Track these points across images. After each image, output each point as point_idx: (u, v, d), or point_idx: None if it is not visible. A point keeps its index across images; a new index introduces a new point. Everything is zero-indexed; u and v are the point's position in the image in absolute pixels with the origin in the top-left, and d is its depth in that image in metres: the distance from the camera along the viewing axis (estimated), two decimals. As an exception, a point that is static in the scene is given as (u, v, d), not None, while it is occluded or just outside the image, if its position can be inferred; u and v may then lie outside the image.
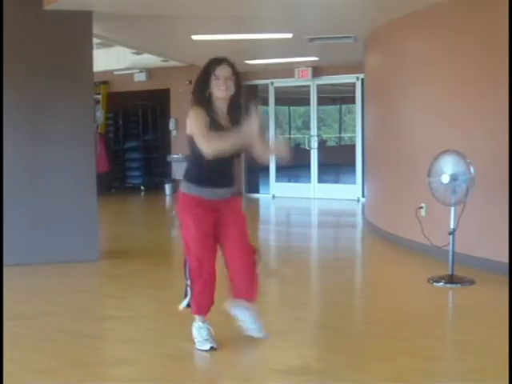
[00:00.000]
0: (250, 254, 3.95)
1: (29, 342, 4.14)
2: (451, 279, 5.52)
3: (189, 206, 3.87)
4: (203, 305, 3.93)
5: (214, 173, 3.82)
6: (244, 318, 3.98)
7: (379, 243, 7.64)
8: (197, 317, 3.97)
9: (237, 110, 3.83)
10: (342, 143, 13.44)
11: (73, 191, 6.48)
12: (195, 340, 3.93)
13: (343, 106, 13.45)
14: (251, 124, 3.60)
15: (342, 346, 4.03)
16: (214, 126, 3.73)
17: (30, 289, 5.58)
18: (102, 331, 4.52)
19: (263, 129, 3.76)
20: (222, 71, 3.73)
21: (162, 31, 8.18)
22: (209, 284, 3.89)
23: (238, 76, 3.81)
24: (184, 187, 3.88)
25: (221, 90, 3.73)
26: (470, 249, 5.92)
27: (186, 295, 3.93)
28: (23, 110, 6.34)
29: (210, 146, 3.63)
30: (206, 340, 3.88)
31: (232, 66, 3.79)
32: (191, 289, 3.90)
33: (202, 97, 3.76)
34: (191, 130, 3.75)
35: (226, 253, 3.94)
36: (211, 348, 3.85)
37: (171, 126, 13.39)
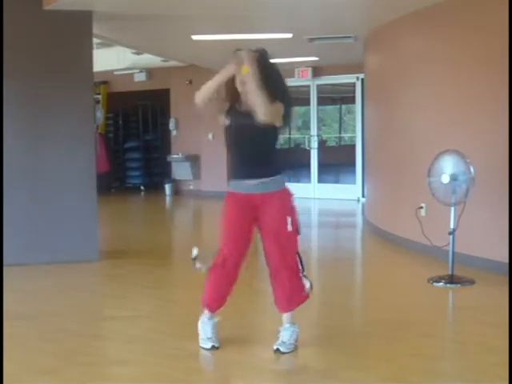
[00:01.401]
0: (283, 260, 3.77)
1: (29, 342, 4.13)
2: (451, 279, 5.52)
3: (227, 203, 3.81)
4: (215, 300, 3.87)
5: (244, 162, 3.73)
6: (281, 332, 3.90)
7: (379, 243, 7.64)
8: (205, 310, 3.92)
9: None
10: (342, 143, 13.43)
11: (73, 191, 6.48)
12: (199, 337, 3.91)
13: (343, 106, 13.45)
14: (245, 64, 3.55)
15: (342, 346, 4.03)
16: (232, 114, 3.73)
17: (30, 289, 5.58)
18: (102, 331, 4.52)
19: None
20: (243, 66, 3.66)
21: (161, 31, 8.18)
22: (224, 280, 3.82)
23: (263, 65, 3.69)
24: (229, 184, 3.83)
25: (239, 84, 3.70)
26: (470, 249, 5.92)
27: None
28: (23, 111, 6.33)
29: (199, 93, 3.65)
30: (208, 338, 3.87)
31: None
32: (206, 280, 3.83)
33: (228, 91, 3.76)
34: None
35: (264, 253, 3.85)
36: (213, 347, 3.84)
37: (171, 125, 13.39)
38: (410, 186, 6.96)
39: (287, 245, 3.78)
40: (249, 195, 3.74)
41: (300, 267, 3.84)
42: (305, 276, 3.84)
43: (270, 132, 3.73)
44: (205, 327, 3.91)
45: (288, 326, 3.90)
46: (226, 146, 3.82)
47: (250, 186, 3.73)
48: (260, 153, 3.75)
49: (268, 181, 3.76)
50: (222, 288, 3.86)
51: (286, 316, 3.91)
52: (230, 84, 3.71)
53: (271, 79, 3.69)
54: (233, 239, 3.79)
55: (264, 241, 3.82)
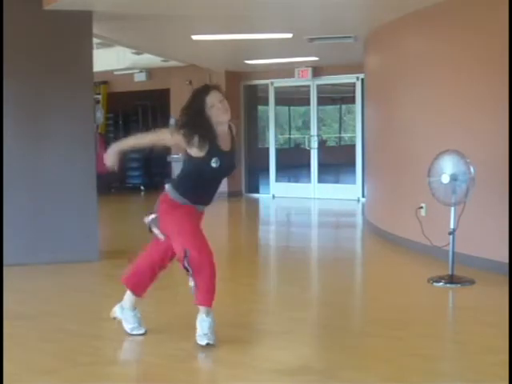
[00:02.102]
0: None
1: (29, 342, 4.13)
2: (451, 279, 5.52)
3: (178, 204, 3.95)
4: (208, 295, 3.92)
5: (206, 190, 4.00)
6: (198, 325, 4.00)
7: (379, 243, 7.64)
8: (201, 309, 3.96)
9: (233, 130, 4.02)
10: (342, 143, 13.44)
11: (73, 191, 6.48)
12: (196, 334, 3.94)
13: (343, 106, 13.45)
14: None
15: (342, 346, 4.03)
16: (217, 151, 3.84)
17: (30, 289, 5.58)
18: (102, 331, 4.52)
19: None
20: (214, 98, 3.82)
21: (161, 31, 8.18)
22: (212, 274, 3.90)
23: (224, 96, 3.91)
24: (175, 196, 3.95)
25: (225, 115, 3.84)
26: (470, 249, 5.92)
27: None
28: (23, 110, 6.33)
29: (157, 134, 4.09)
30: (205, 335, 3.90)
31: (218, 89, 3.90)
32: (194, 279, 3.89)
33: (204, 127, 3.82)
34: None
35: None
36: (207, 344, 3.86)
37: (171, 126, 13.38)
38: (410, 186, 6.96)
39: None
40: (199, 212, 4.04)
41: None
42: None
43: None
44: (202, 324, 3.93)
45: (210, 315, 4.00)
46: (191, 171, 3.98)
47: (202, 208, 4.06)
48: (218, 185, 4.08)
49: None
50: (210, 284, 3.91)
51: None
52: (207, 121, 3.84)
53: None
54: (203, 239, 3.95)
55: None
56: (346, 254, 7.51)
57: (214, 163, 3.83)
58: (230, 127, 3.97)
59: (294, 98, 13.63)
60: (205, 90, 3.86)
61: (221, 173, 3.97)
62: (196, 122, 3.82)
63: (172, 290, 5.70)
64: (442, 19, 6.38)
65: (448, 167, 5.47)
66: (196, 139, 3.78)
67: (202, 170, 3.88)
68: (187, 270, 3.87)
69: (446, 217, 5.64)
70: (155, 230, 4.02)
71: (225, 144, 3.91)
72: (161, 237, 4.01)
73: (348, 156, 12.17)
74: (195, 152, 3.82)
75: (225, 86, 9.63)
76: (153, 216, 4.02)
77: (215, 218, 10.88)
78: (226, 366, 3.81)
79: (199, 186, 3.95)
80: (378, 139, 8.28)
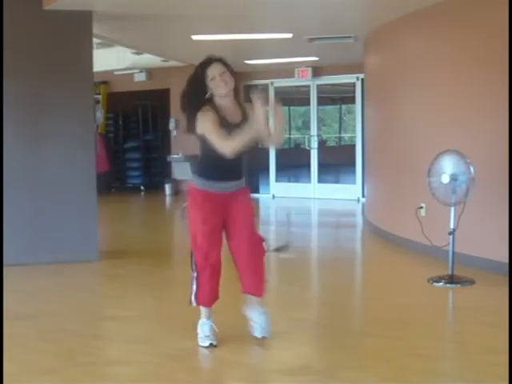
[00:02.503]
0: (257, 244, 3.97)
1: (29, 342, 4.14)
2: (451, 279, 5.52)
3: (198, 200, 3.91)
4: (207, 296, 3.96)
5: (223, 168, 3.86)
6: (258, 319, 4.02)
7: (379, 243, 7.64)
8: (202, 312, 4.00)
9: (241, 102, 3.89)
10: (342, 143, 13.44)
11: (73, 191, 6.48)
12: (198, 336, 3.97)
13: (343, 106, 13.45)
14: (256, 112, 3.62)
15: (342, 346, 4.03)
16: (225, 125, 3.74)
17: (30, 289, 5.58)
18: (102, 331, 4.53)
19: (267, 114, 3.76)
20: (215, 70, 3.75)
21: (161, 31, 8.18)
22: (214, 277, 3.93)
23: (230, 68, 3.82)
24: (195, 182, 3.93)
25: (222, 88, 3.75)
26: (470, 249, 5.92)
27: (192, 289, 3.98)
28: (23, 110, 6.33)
29: (229, 147, 3.67)
30: (206, 337, 3.93)
31: (220, 61, 3.80)
32: (196, 281, 3.94)
33: (200, 100, 3.76)
34: (206, 133, 3.74)
35: (233, 244, 3.96)
36: (210, 345, 3.89)
37: (171, 125, 13.38)
38: (410, 186, 6.96)
39: (256, 230, 4.10)
40: (218, 193, 3.89)
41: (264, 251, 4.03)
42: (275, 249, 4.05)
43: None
44: (203, 327, 3.97)
45: (264, 310, 4.04)
46: (201, 148, 3.90)
47: (224, 187, 3.90)
48: (240, 160, 3.91)
49: (239, 182, 3.98)
50: (210, 286, 3.94)
51: (259, 301, 4.03)
52: (202, 93, 3.78)
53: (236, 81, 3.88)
54: (211, 236, 3.91)
55: (233, 229, 3.96)
56: (346, 253, 7.51)
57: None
58: (239, 102, 3.87)
59: (294, 98, 13.63)
60: (206, 62, 3.79)
61: None
62: (196, 95, 3.77)
63: (172, 289, 5.70)
64: (442, 19, 6.38)
65: (448, 167, 5.47)
66: (198, 116, 3.72)
67: (211, 144, 3.78)
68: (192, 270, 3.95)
69: (446, 217, 5.64)
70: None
71: (233, 116, 3.81)
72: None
73: (348, 156, 12.17)
74: (199, 128, 3.76)
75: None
76: (184, 206, 4.06)
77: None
78: (226, 365, 3.81)
79: (216, 161, 3.80)
80: (378, 139, 8.28)
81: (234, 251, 3.98)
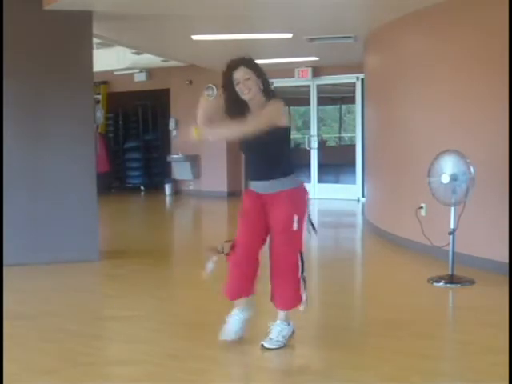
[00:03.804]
0: (285, 256, 3.85)
1: (29, 342, 4.14)
2: (451, 279, 5.52)
3: (243, 198, 4.01)
4: (230, 288, 3.92)
5: (252, 166, 3.94)
6: (271, 331, 3.95)
7: (379, 243, 7.64)
8: (235, 302, 3.97)
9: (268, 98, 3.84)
10: (342, 143, 13.44)
11: (73, 191, 6.48)
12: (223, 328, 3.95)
13: (343, 106, 13.45)
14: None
15: (342, 346, 4.03)
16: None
17: (30, 289, 5.58)
18: (102, 331, 4.52)
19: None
20: (239, 75, 3.74)
21: (161, 31, 8.18)
22: (239, 268, 3.86)
23: (257, 71, 3.78)
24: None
25: (245, 95, 3.76)
26: (470, 249, 5.92)
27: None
28: (23, 111, 6.33)
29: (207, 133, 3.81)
30: (228, 330, 3.90)
31: (247, 64, 3.77)
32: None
33: (233, 102, 3.79)
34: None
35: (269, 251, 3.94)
36: (228, 338, 3.89)
37: (171, 125, 13.39)
38: (410, 185, 6.96)
39: (290, 243, 3.84)
40: (260, 194, 3.88)
41: (300, 267, 3.87)
42: (304, 280, 3.90)
43: (278, 135, 3.80)
44: (229, 318, 3.94)
45: (279, 322, 3.94)
46: (240, 150, 4.05)
47: (257, 186, 3.90)
48: (271, 156, 3.84)
49: (273, 182, 3.85)
50: (235, 277, 3.90)
51: (281, 313, 3.95)
52: (235, 96, 3.78)
53: (266, 81, 3.85)
54: (245, 229, 3.90)
55: (271, 237, 3.91)
56: (346, 253, 7.51)
57: None
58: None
59: (293, 98, 13.63)
60: (233, 64, 3.77)
61: (251, 145, 3.79)
62: (226, 97, 3.80)
63: (172, 289, 5.70)
64: (442, 19, 6.38)
65: (448, 167, 5.47)
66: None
67: (240, 145, 3.93)
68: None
69: (446, 217, 5.64)
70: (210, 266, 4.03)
71: (255, 113, 3.80)
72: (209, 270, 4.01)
73: (348, 156, 12.17)
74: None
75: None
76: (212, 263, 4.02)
77: (215, 217, 10.89)
78: (226, 365, 3.81)
79: (247, 160, 4.00)
80: (378, 139, 8.28)
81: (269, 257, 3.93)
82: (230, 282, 3.92)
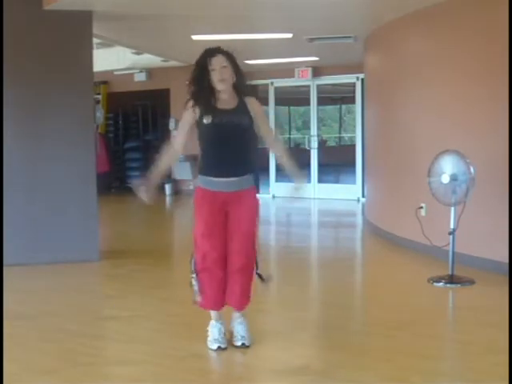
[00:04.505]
0: (248, 258, 3.84)
1: (29, 342, 4.13)
2: (451, 279, 5.52)
3: (198, 201, 3.84)
4: (211, 300, 3.89)
5: (220, 161, 3.76)
6: (236, 328, 3.96)
7: (379, 243, 7.64)
8: (211, 314, 3.94)
9: (241, 90, 3.82)
10: (342, 143, 13.44)
11: (73, 191, 6.48)
12: (207, 339, 3.92)
13: (343, 106, 13.45)
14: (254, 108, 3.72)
15: (342, 346, 4.03)
16: (212, 110, 3.70)
17: (30, 289, 5.58)
18: (102, 331, 4.52)
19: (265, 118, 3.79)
20: (217, 61, 3.70)
21: (162, 31, 8.18)
22: (215, 279, 3.82)
23: (234, 64, 3.76)
24: (198, 180, 3.87)
25: (220, 82, 3.69)
26: (470, 249, 5.92)
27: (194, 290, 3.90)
28: (23, 111, 6.33)
29: (167, 150, 4.03)
30: (215, 340, 3.87)
31: (227, 54, 3.76)
32: (197, 282, 3.85)
33: (200, 88, 3.73)
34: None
35: (227, 250, 3.85)
36: (219, 348, 3.84)
37: (171, 125, 13.37)
38: (410, 186, 6.96)
39: (252, 243, 3.88)
40: (217, 192, 3.77)
41: (255, 266, 3.93)
42: (258, 274, 3.93)
43: (252, 130, 3.81)
44: (212, 330, 3.92)
45: (241, 319, 3.95)
46: (199, 144, 3.86)
47: (222, 184, 3.76)
48: (241, 151, 3.81)
49: (241, 180, 3.81)
50: (212, 288, 3.85)
51: (237, 312, 3.97)
52: (206, 83, 3.73)
53: (241, 76, 3.84)
54: (212, 244, 3.80)
55: (230, 235, 3.83)
56: (346, 253, 7.51)
57: (205, 120, 3.70)
58: (238, 96, 3.80)
59: (293, 98, 13.63)
60: (213, 50, 3.76)
61: (222, 131, 3.71)
62: (194, 81, 3.75)
63: (171, 289, 5.70)
64: (442, 19, 6.38)
65: (448, 167, 5.47)
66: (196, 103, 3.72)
67: (202, 134, 3.76)
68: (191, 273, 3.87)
69: (446, 217, 5.64)
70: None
71: (225, 105, 3.75)
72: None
73: (348, 156, 12.17)
74: (193, 117, 3.78)
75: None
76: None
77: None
78: (225, 365, 3.81)
79: (210, 153, 3.78)
80: (378, 139, 8.28)
81: (227, 257, 3.85)
82: (206, 293, 3.84)
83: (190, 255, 3.93)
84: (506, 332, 3.96)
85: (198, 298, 3.89)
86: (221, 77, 3.69)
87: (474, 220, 5.77)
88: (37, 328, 4.43)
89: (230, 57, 3.76)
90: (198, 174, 3.87)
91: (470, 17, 5.99)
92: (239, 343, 3.89)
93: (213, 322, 3.94)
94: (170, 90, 13.39)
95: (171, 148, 4.04)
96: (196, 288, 3.87)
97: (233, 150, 3.76)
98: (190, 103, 3.78)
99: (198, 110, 3.75)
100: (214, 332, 3.91)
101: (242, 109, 3.78)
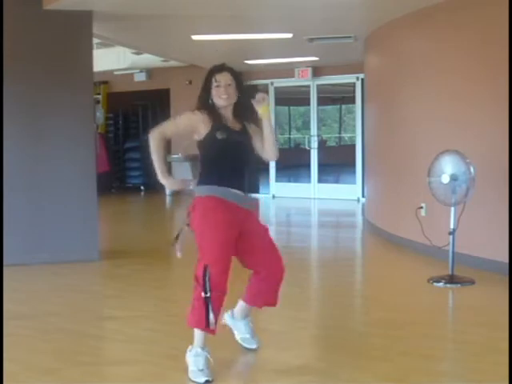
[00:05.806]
0: (282, 261, 3.88)
1: (29, 342, 4.13)
2: (451, 279, 5.52)
3: (209, 210, 3.59)
4: (218, 323, 3.62)
5: (235, 173, 3.65)
6: (249, 331, 3.93)
7: (379, 243, 7.64)
8: (196, 341, 3.59)
9: (243, 112, 3.72)
10: (342, 143, 13.42)
11: (73, 191, 6.48)
12: (189, 369, 3.53)
13: (343, 106, 13.44)
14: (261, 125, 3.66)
15: (342, 346, 4.03)
16: (225, 128, 3.63)
17: (30, 289, 5.58)
18: (101, 331, 4.52)
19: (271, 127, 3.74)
20: (223, 78, 3.66)
21: (161, 31, 8.18)
22: (223, 299, 3.59)
23: (239, 82, 3.72)
24: (199, 191, 3.65)
25: (222, 99, 3.65)
26: (470, 249, 5.93)
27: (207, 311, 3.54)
28: (22, 111, 6.33)
29: (153, 134, 4.09)
30: (200, 371, 3.49)
31: (233, 73, 3.71)
32: (209, 303, 3.52)
33: (205, 105, 3.70)
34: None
35: (257, 258, 3.75)
36: (206, 381, 3.45)
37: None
38: (409, 185, 6.96)
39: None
40: (235, 204, 3.61)
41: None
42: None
43: (254, 153, 3.78)
44: (197, 359, 3.54)
45: (250, 318, 3.96)
46: (202, 155, 3.75)
47: (239, 196, 3.63)
48: (246, 170, 3.73)
49: (245, 196, 3.68)
50: (219, 307, 3.61)
51: (246, 310, 3.97)
52: (210, 105, 3.69)
53: (245, 99, 3.75)
54: (227, 249, 3.59)
55: (261, 249, 3.78)
56: (346, 253, 7.51)
57: (219, 135, 3.58)
58: (239, 116, 3.71)
59: (293, 98, 13.62)
60: (219, 67, 3.70)
61: (232, 149, 3.61)
62: (200, 97, 3.71)
63: (172, 289, 5.70)
64: (442, 19, 6.38)
65: (448, 167, 5.47)
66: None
67: (212, 147, 3.63)
68: (204, 292, 3.50)
69: (446, 217, 5.64)
70: (176, 245, 3.70)
71: (232, 124, 3.69)
72: (178, 254, 3.68)
73: (348, 156, 12.17)
74: (202, 128, 3.64)
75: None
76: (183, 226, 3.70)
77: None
78: (225, 365, 3.80)
79: (219, 166, 3.63)
80: (378, 139, 8.28)
81: (258, 266, 3.77)
82: (217, 314, 3.55)
83: (202, 268, 3.54)
84: (506, 332, 3.97)
85: (213, 321, 3.52)
86: (225, 94, 3.64)
87: (473, 220, 5.77)
88: (37, 328, 4.43)
89: (236, 76, 3.72)
90: (200, 184, 3.70)
91: (470, 17, 5.99)
92: (254, 346, 3.87)
93: (198, 350, 3.55)
94: (169, 89, 13.40)
95: (162, 140, 4.18)
96: (207, 311, 3.51)
97: (236, 166, 3.68)
98: (204, 113, 3.67)
99: (209, 123, 3.64)
100: (198, 362, 3.52)
101: (246, 131, 3.71)
